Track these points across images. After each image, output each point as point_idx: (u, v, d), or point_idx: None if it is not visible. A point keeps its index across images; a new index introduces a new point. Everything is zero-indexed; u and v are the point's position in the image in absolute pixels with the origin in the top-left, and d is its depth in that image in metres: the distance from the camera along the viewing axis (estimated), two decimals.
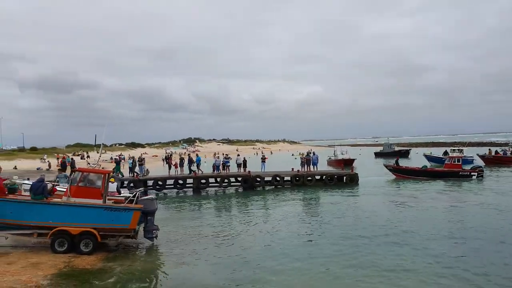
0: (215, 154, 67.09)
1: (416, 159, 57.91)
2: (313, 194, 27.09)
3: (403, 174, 35.25)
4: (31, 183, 15.64)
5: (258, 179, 30.89)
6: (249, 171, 31.93)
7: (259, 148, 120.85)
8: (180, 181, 30.92)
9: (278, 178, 30.91)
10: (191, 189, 30.28)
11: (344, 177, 32.12)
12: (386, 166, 37.41)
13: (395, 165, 36.69)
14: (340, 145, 70.74)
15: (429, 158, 53.55)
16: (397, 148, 78.68)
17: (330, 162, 53.47)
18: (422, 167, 37.31)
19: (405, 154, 70.07)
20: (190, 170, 32.42)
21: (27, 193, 13.52)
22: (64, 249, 12.19)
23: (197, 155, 35.16)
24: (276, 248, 13.65)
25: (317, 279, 10.68)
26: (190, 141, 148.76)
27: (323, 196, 26.16)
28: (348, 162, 46.82)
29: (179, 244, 14.45)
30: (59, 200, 13.20)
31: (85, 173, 13.66)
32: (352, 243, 13.95)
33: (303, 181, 30.96)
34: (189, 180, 30.88)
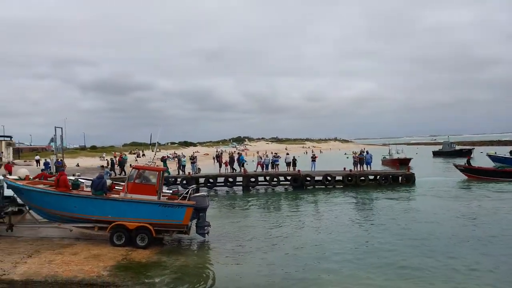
0: (258, 152, 67.13)
1: (480, 159, 53.87)
2: (366, 195, 26.13)
3: (475, 174, 32.79)
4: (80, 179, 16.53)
5: (308, 178, 30.42)
6: (298, 170, 31.57)
7: (308, 147, 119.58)
8: (230, 179, 31.32)
9: (329, 178, 30.21)
10: (241, 187, 30.57)
11: (400, 177, 30.67)
12: (457, 166, 35.04)
13: (466, 164, 34.34)
14: (396, 144, 67.83)
15: (494, 158, 49.41)
16: (457, 147, 73.64)
17: (385, 162, 51.43)
18: (499, 167, 34.49)
19: (467, 153, 65.48)
20: (233, 169, 32.77)
21: (89, 189, 14.32)
22: (121, 242, 12.75)
23: (240, 154, 35.62)
24: (327, 249, 13.28)
25: (365, 284, 10.19)
26: (239, 140, 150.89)
27: (376, 197, 25.14)
28: (404, 162, 44.71)
29: (230, 240, 14.59)
30: (117, 196, 13.85)
31: (141, 170, 14.21)
32: (407, 249, 13.06)
33: (356, 181, 30.00)
34: (239, 178, 31.19)
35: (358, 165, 32.39)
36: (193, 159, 34.78)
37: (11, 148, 55.70)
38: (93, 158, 58.95)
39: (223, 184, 31.03)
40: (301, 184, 30.06)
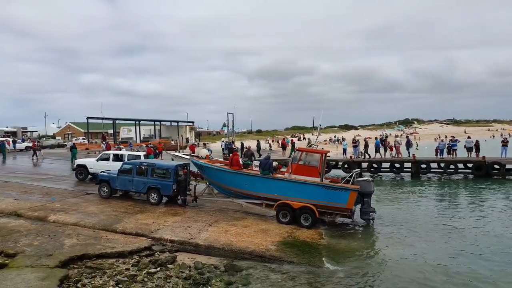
0: (396, 136, 60.22)
1: None
2: None
3: None
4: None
5: (496, 166, 25.52)
6: (483, 157, 26.80)
7: (496, 130, 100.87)
8: (397, 165, 29.02)
9: None
10: (409, 174, 27.97)
11: None
12: None
13: None
14: None
15: None
16: None
17: None
18: None
19: None
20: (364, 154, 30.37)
21: (257, 169, 15.35)
22: (286, 220, 13.29)
23: (376, 138, 32.63)
24: (505, 254, 10.87)
25: None
26: (407, 123, 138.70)
27: None
28: None
29: (396, 228, 13.53)
30: (283, 176, 14.40)
31: (304, 152, 14.39)
32: None
33: None
34: (407, 164, 28.57)
35: None
36: (355, 142, 33.68)
37: (193, 132, 66.69)
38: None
39: (388, 169, 29.03)
40: (486, 172, 25.53)
